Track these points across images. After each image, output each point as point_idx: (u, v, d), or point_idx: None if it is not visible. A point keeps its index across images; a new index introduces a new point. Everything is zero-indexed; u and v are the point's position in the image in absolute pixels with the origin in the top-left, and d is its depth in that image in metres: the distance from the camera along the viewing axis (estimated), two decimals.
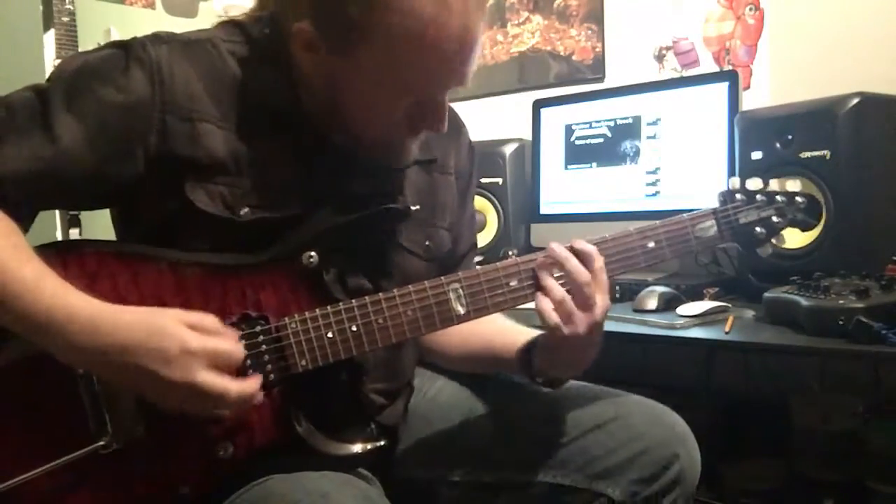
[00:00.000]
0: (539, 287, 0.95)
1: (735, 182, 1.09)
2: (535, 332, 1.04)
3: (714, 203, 1.08)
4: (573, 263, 0.94)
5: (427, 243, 1.06)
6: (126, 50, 0.89)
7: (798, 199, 1.09)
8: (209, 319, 0.82)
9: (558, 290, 0.93)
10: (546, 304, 0.93)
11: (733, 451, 1.72)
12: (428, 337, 1.14)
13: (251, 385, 0.83)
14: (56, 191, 0.88)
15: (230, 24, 0.97)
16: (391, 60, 0.85)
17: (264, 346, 0.87)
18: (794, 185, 1.09)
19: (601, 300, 0.94)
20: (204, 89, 0.90)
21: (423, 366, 1.20)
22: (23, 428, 0.84)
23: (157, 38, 0.91)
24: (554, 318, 0.93)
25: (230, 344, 0.83)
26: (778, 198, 1.08)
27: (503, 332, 1.09)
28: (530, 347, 1.03)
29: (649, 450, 1.00)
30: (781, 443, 1.67)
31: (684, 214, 1.05)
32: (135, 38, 0.91)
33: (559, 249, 0.95)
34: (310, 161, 0.94)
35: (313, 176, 0.94)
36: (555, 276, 0.95)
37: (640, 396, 1.08)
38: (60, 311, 0.78)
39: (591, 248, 0.95)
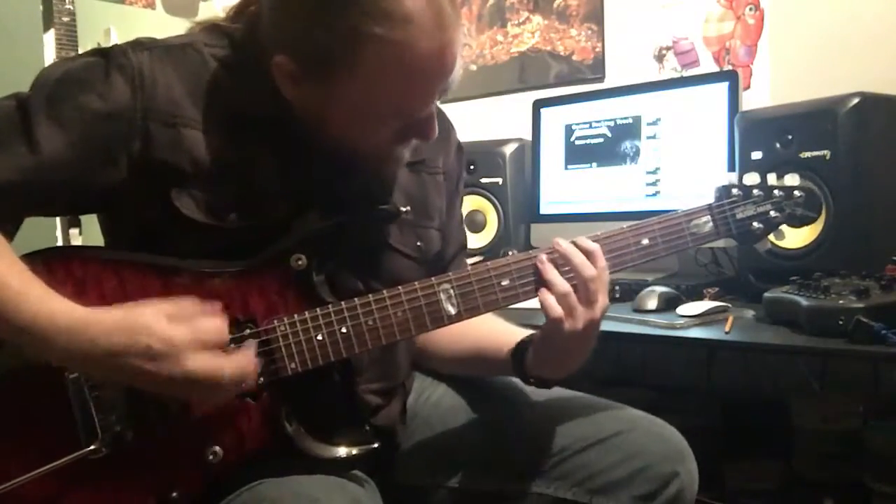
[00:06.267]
0: (542, 280, 0.95)
1: (731, 177, 1.07)
2: (527, 332, 1.04)
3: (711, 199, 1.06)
4: (580, 259, 0.94)
5: (418, 244, 1.06)
6: (107, 57, 0.89)
7: (796, 193, 1.07)
8: (187, 304, 0.81)
9: (563, 284, 0.93)
10: (549, 297, 0.93)
11: (733, 451, 1.72)
12: (419, 339, 1.14)
13: (244, 355, 0.83)
14: (39, 200, 0.89)
15: (213, 28, 0.96)
16: (372, 87, 0.85)
17: None
18: (792, 179, 1.08)
19: (602, 298, 0.94)
20: (186, 94, 0.90)
21: (424, 372, 1.20)
22: (12, 434, 0.84)
23: (139, 44, 0.91)
24: (558, 310, 0.93)
25: (212, 323, 0.82)
26: (775, 192, 1.06)
27: (494, 332, 1.09)
28: (524, 346, 1.02)
29: (650, 466, 1.00)
30: (781, 443, 1.67)
31: (679, 210, 1.04)
32: (116, 45, 0.90)
33: (565, 244, 0.95)
34: (296, 164, 0.94)
35: (300, 179, 0.93)
36: (558, 271, 0.95)
37: (641, 411, 1.08)
38: (45, 318, 0.78)
39: (594, 246, 0.96)
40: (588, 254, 0.95)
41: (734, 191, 1.06)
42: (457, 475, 1.09)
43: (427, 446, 1.12)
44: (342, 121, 0.90)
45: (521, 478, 1.06)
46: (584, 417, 1.06)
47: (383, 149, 0.94)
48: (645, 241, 1.01)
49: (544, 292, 0.94)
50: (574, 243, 0.96)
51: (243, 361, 0.82)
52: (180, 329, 0.79)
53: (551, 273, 0.94)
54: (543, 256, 0.96)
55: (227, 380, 0.80)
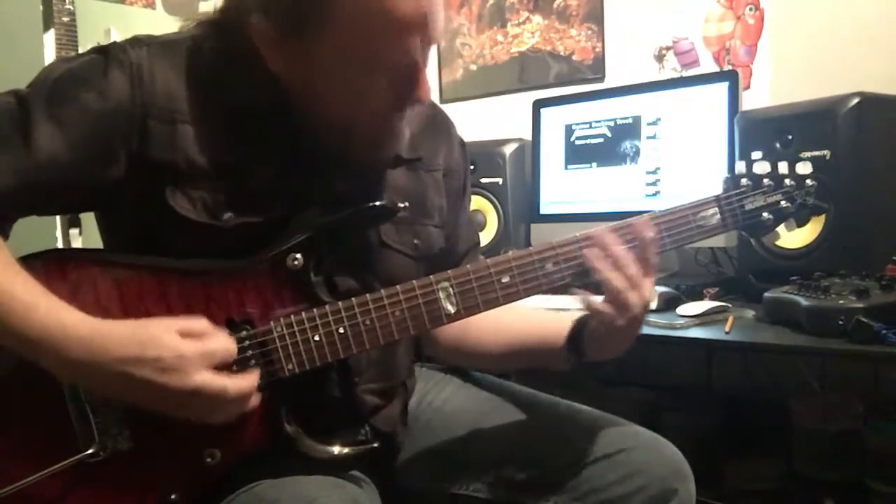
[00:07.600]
0: (609, 255, 0.93)
1: (741, 167, 1.04)
2: (571, 317, 1.03)
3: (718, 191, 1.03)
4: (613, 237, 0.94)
5: (416, 242, 1.05)
6: (105, 54, 0.89)
7: (808, 182, 1.03)
8: (199, 322, 0.83)
9: (627, 255, 0.92)
10: (611, 272, 0.92)
11: (733, 451, 1.71)
12: (452, 338, 1.13)
13: (248, 381, 0.83)
14: (38, 201, 0.89)
15: (209, 23, 0.96)
16: (351, 35, 0.83)
17: (250, 352, 0.87)
18: (804, 167, 1.04)
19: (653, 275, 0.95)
20: (184, 90, 0.89)
21: (432, 369, 1.19)
22: (9, 439, 0.84)
23: (137, 41, 0.91)
24: (621, 281, 0.92)
25: (222, 341, 0.83)
26: (786, 181, 1.03)
27: (536, 323, 1.08)
28: (578, 330, 1.02)
29: (650, 485, 0.99)
30: (781, 443, 1.67)
31: (685, 202, 1.01)
32: (114, 43, 0.90)
33: (598, 230, 0.95)
34: (293, 162, 0.93)
35: (296, 177, 0.93)
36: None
37: (643, 428, 1.07)
38: (55, 329, 0.78)
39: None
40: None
41: (743, 181, 1.03)
42: (458, 482, 1.09)
43: (429, 450, 1.11)
44: (329, 83, 0.88)
45: (521, 488, 1.05)
46: (589, 433, 1.05)
47: (379, 118, 0.91)
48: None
49: (607, 269, 0.92)
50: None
51: (246, 385, 0.83)
52: (191, 344, 0.80)
53: (616, 247, 0.93)
54: (594, 236, 0.95)
55: (230, 400, 0.81)
